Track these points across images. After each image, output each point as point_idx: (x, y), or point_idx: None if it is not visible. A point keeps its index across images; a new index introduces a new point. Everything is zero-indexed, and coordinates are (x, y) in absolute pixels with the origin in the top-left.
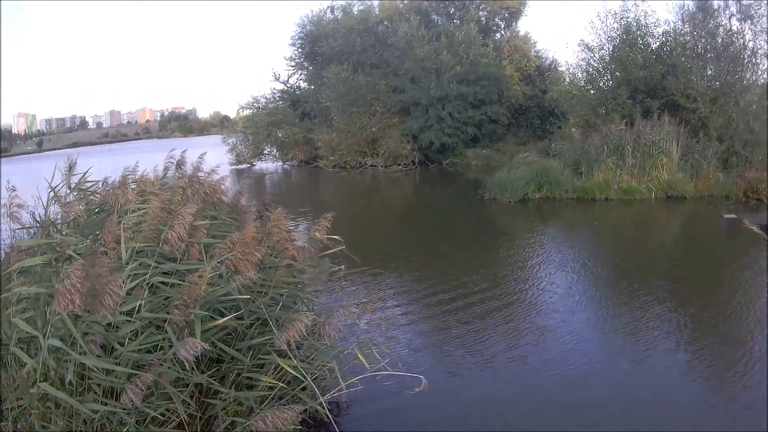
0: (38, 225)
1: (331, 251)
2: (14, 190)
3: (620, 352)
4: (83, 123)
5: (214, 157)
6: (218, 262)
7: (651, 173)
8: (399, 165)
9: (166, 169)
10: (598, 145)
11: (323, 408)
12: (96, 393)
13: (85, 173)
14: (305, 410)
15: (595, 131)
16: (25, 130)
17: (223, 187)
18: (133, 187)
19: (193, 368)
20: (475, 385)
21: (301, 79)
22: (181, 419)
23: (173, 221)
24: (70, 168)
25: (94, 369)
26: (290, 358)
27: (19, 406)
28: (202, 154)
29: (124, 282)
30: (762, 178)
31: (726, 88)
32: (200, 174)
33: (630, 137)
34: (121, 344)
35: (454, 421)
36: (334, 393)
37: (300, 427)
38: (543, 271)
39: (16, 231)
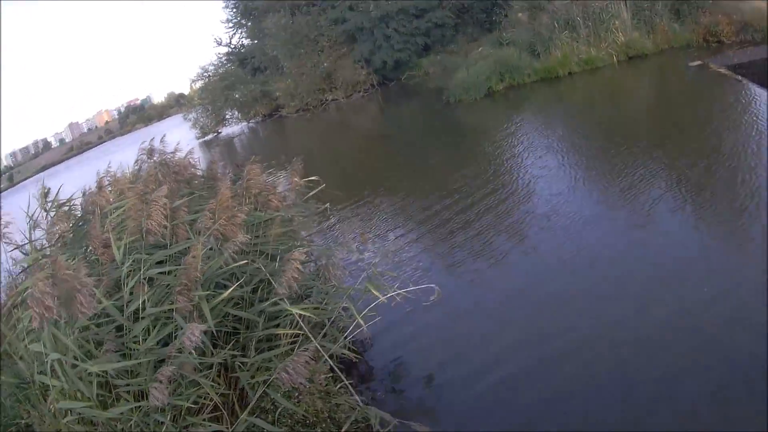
0: (28, 239)
1: (314, 192)
2: None
3: (628, 219)
4: (47, 145)
5: (179, 135)
6: (206, 237)
7: (607, 38)
8: (359, 92)
9: (139, 161)
10: (548, 24)
11: (348, 350)
12: (127, 400)
13: (57, 193)
14: (333, 357)
15: (541, 11)
16: None
17: (191, 160)
18: (110, 189)
19: (211, 350)
20: (491, 285)
21: (243, 37)
22: (215, 402)
23: (149, 210)
24: (45, 194)
25: (119, 376)
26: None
27: None
28: (162, 137)
29: (123, 279)
30: (718, 20)
31: None
32: (166, 155)
33: (578, 9)
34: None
35: (480, 323)
36: (356, 332)
37: (332, 373)
38: (530, 157)
39: (9, 253)
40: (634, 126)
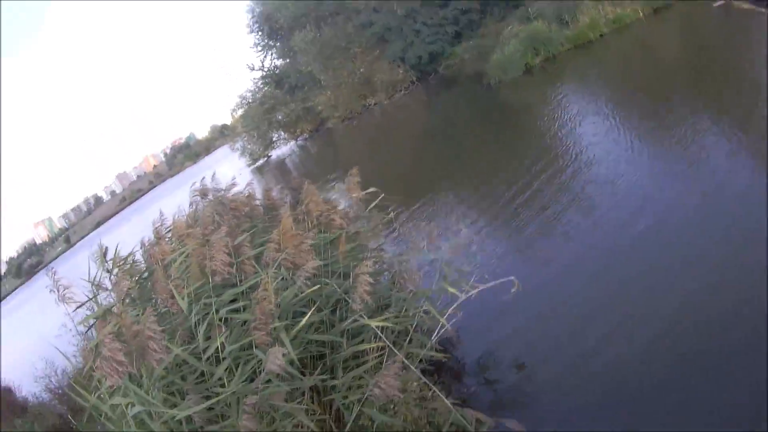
0: (92, 298)
1: (374, 203)
2: (55, 274)
3: (688, 175)
4: (98, 200)
5: (229, 167)
6: (274, 267)
7: None
8: (400, 91)
9: (193, 203)
10: None
11: (436, 351)
12: None
13: (116, 250)
14: (422, 360)
15: None
16: (48, 236)
17: (249, 192)
18: (168, 237)
19: (299, 377)
20: (568, 265)
21: (274, 58)
22: (312, 429)
23: (211, 252)
24: (104, 254)
25: (210, 422)
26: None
27: None
28: (212, 174)
29: (195, 326)
30: None
31: None
32: (219, 192)
33: None
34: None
35: (561, 307)
36: (441, 332)
37: (424, 378)
38: (581, 126)
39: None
40: (671, 77)
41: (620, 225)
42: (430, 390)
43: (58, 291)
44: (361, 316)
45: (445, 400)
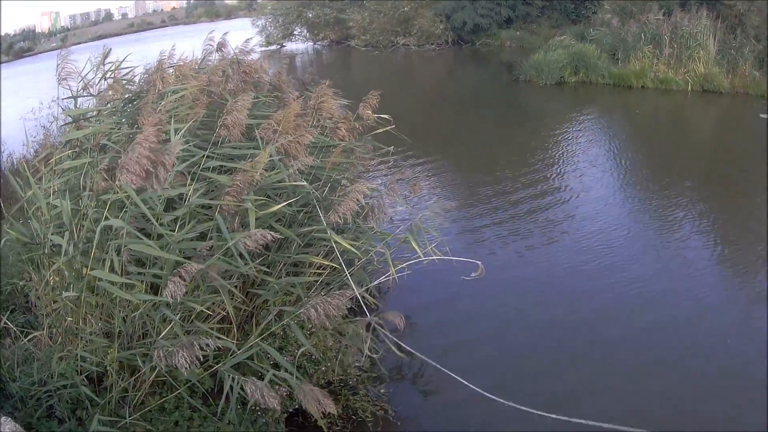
0: (88, 94)
1: (381, 130)
2: (68, 55)
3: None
4: (108, 15)
5: (243, 37)
6: (274, 148)
7: (687, 65)
8: (432, 45)
9: (206, 51)
10: (636, 33)
11: (370, 295)
12: (139, 290)
13: (122, 61)
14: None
15: (632, 19)
16: (49, 28)
17: (258, 64)
18: (171, 72)
19: (240, 261)
20: (520, 272)
21: None
22: (228, 313)
23: (233, 106)
24: (105, 56)
25: (137, 263)
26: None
27: (54, 311)
28: (224, 34)
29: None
30: None
31: None
32: (238, 53)
33: (667, 28)
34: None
35: (502, 303)
36: (383, 279)
37: (345, 314)
38: (583, 157)
39: (63, 101)
40: (689, 160)
41: (579, 265)
42: (349, 328)
43: (61, 72)
44: (331, 228)
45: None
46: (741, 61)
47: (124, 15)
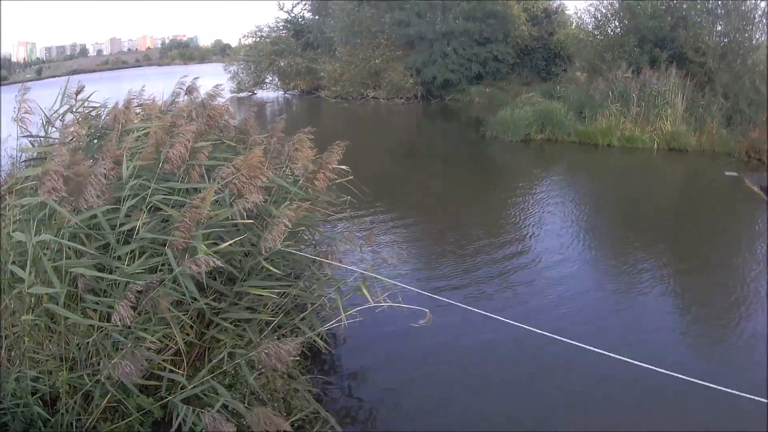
0: (45, 136)
1: (339, 180)
2: (26, 92)
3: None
4: (83, 50)
5: (213, 83)
6: (222, 185)
7: (654, 123)
8: (401, 98)
9: (175, 94)
10: (603, 91)
11: (321, 339)
12: (92, 318)
13: (87, 97)
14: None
15: (600, 77)
16: (24, 59)
17: (224, 107)
18: (138, 111)
19: (194, 296)
20: (475, 326)
21: (306, 10)
22: (179, 348)
23: (174, 139)
24: (78, 92)
25: (91, 292)
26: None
27: (13, 333)
28: (194, 78)
29: (123, 199)
30: (764, 138)
31: (734, 46)
32: (205, 97)
33: (636, 86)
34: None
35: (449, 356)
36: (333, 324)
37: (297, 358)
38: (542, 214)
39: (21, 140)
40: (653, 219)
41: (534, 317)
42: (298, 371)
43: (19, 109)
44: (263, 259)
45: (308, 392)
46: (709, 119)
47: (99, 51)
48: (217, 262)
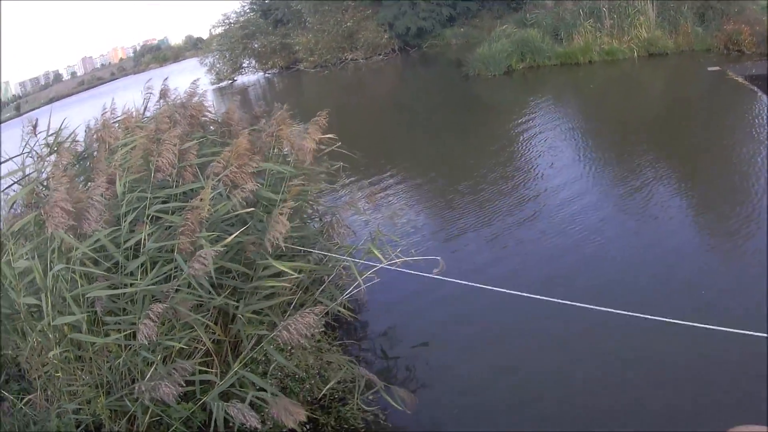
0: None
1: (329, 149)
2: None
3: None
4: (57, 76)
5: (192, 78)
6: (216, 180)
7: (630, 33)
8: (379, 55)
9: (146, 100)
10: (573, 10)
11: (344, 308)
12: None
13: (60, 128)
14: (327, 313)
15: None
16: (0, 99)
17: (207, 104)
18: (117, 126)
19: (210, 292)
20: (491, 263)
21: None
22: (208, 347)
23: (161, 148)
24: (34, 127)
25: (109, 314)
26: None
27: (45, 373)
28: (164, 79)
29: (124, 215)
30: (740, 29)
31: None
32: (182, 97)
33: (604, 1)
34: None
35: (476, 301)
36: (352, 290)
37: (325, 330)
38: (539, 140)
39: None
40: (645, 123)
41: (550, 246)
42: (329, 343)
43: None
44: (269, 255)
45: (343, 360)
46: (682, 20)
47: (73, 74)
48: (217, 249)
